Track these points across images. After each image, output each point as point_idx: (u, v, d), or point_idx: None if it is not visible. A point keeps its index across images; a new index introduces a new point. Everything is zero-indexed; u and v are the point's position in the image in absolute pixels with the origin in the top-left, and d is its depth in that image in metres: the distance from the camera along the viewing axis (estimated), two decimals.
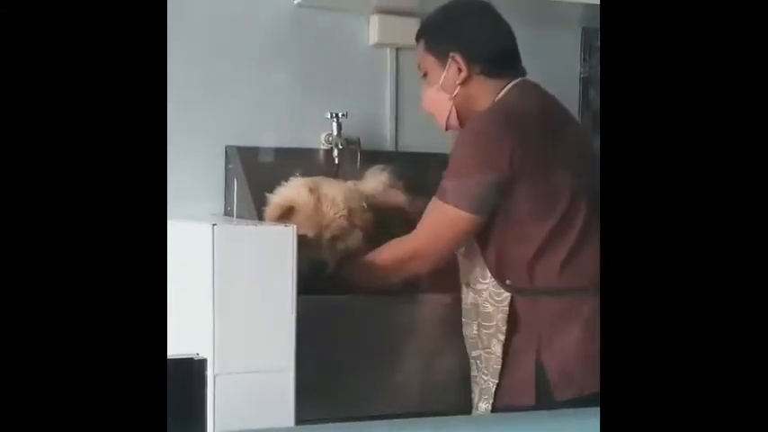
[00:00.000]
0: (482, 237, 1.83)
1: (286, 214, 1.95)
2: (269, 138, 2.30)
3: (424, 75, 1.93)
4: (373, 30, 2.42)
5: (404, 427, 1.60)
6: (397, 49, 2.44)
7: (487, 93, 1.87)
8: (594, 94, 2.51)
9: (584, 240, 1.79)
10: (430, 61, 1.91)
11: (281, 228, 1.83)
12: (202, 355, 1.75)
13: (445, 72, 1.88)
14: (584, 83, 2.54)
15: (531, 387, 1.78)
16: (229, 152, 2.30)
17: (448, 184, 1.81)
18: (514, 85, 1.88)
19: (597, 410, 1.19)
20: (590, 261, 1.76)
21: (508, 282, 1.82)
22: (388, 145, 2.45)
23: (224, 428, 1.70)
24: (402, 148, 2.44)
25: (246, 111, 2.33)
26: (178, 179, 2.28)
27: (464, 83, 1.87)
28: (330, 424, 1.56)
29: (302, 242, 1.81)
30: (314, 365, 1.78)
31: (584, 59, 2.55)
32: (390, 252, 1.89)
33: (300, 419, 1.77)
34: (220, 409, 1.73)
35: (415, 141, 2.43)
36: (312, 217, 1.92)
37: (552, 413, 1.71)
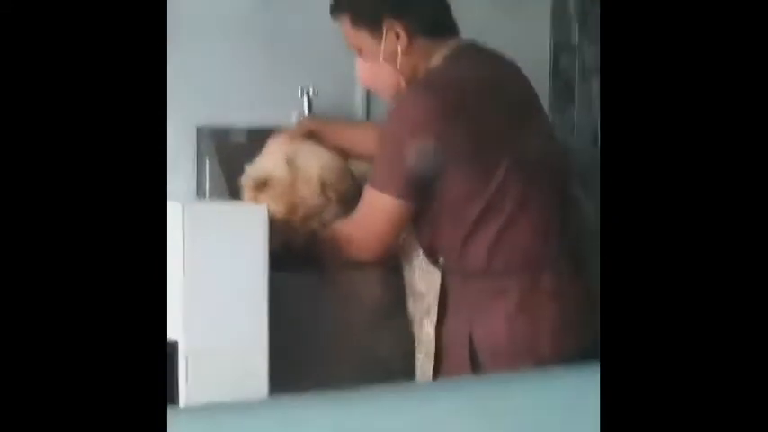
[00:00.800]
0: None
1: (261, 187, 1.89)
2: (240, 117, 2.27)
3: (359, 51, 1.80)
4: None
5: (382, 394, 1.59)
6: None
7: (432, 56, 1.76)
8: (566, 60, 2.47)
9: (514, 220, 1.72)
10: (361, 36, 1.77)
11: (252, 206, 1.81)
12: (173, 336, 1.74)
13: (383, 43, 1.75)
14: (556, 48, 2.50)
15: (468, 369, 1.75)
16: (200, 132, 2.28)
17: (375, 167, 1.73)
18: (450, 47, 1.77)
19: (589, 367, 1.20)
20: (520, 242, 1.73)
21: (441, 261, 1.76)
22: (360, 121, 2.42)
23: (195, 408, 1.69)
24: None
25: (217, 90, 2.30)
26: None
27: (407, 50, 1.75)
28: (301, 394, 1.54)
29: (274, 220, 1.78)
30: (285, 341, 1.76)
31: (555, 25, 2.51)
32: (334, 234, 1.82)
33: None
34: (192, 390, 1.71)
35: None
36: (285, 193, 1.86)
37: (544, 373, 1.71)
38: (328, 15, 2.34)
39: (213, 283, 1.75)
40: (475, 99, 1.71)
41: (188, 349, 1.71)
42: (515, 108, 1.77)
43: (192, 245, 1.74)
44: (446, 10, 1.79)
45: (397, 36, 1.74)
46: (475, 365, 1.74)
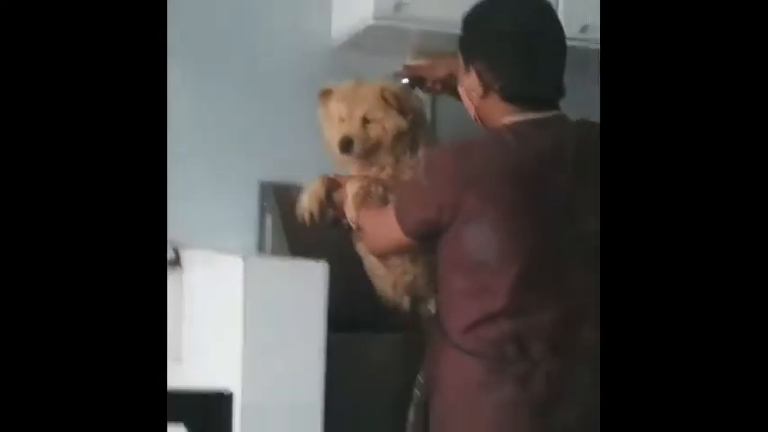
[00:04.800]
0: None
1: (326, 95, 2.03)
2: (303, 174, 2.32)
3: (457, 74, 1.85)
4: None
5: None
6: None
7: (501, 115, 1.73)
8: None
9: (507, 311, 1.67)
10: (460, 59, 1.79)
11: (312, 262, 1.84)
12: (230, 389, 1.77)
13: (467, 81, 1.77)
14: None
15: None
16: (264, 188, 2.33)
17: (402, 194, 1.83)
18: (525, 115, 1.71)
19: None
20: (497, 332, 1.67)
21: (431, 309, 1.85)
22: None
23: None
24: None
25: (282, 147, 2.36)
26: (213, 212, 2.32)
27: (483, 97, 1.74)
28: None
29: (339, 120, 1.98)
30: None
31: None
32: (361, 220, 1.93)
33: None
34: None
35: None
36: (348, 97, 2.00)
37: None
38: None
39: (271, 337, 1.78)
40: (513, 173, 1.67)
41: (244, 402, 1.74)
42: (561, 198, 1.69)
43: (252, 299, 1.78)
44: (547, 85, 1.74)
45: (478, 81, 1.74)
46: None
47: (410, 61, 2.22)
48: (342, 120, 1.98)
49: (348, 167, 2.04)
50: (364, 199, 1.93)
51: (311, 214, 1.97)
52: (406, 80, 2.11)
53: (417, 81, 2.10)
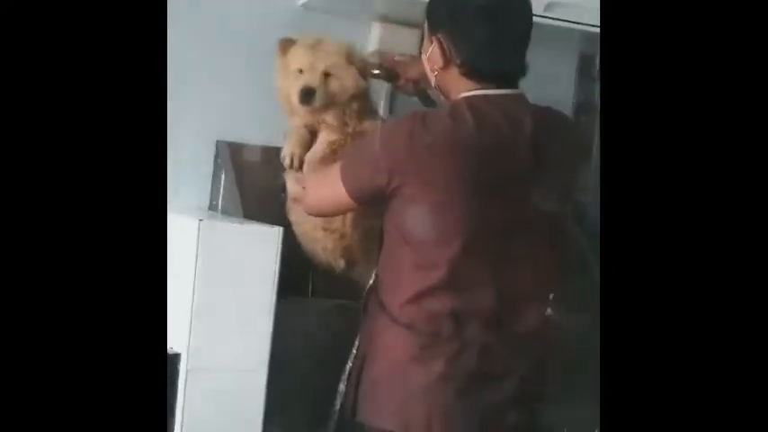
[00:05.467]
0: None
1: (289, 42, 2.02)
2: (260, 135, 2.30)
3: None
4: (374, 37, 2.42)
5: None
6: None
7: (459, 88, 1.72)
8: (585, 119, 2.50)
9: (446, 286, 1.66)
10: (424, 29, 1.78)
11: (267, 227, 1.84)
12: (177, 349, 1.77)
13: (430, 50, 1.74)
14: (577, 108, 2.55)
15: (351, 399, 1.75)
16: (219, 147, 2.30)
17: (352, 155, 1.77)
18: (488, 95, 1.70)
19: None
20: (441, 308, 1.66)
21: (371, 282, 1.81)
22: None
23: (192, 422, 1.71)
24: None
25: (240, 107, 2.33)
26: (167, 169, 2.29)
27: (442, 68, 1.72)
28: None
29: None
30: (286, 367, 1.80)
31: (580, 85, 2.55)
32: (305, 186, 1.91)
33: (269, 419, 1.79)
34: (190, 404, 1.74)
35: None
36: (313, 46, 1.97)
37: None
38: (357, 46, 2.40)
39: (222, 300, 1.78)
40: (463, 152, 1.65)
41: (190, 363, 1.74)
42: (513, 176, 1.68)
43: (205, 260, 1.78)
44: (506, 63, 1.73)
45: (441, 53, 1.72)
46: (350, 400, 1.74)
47: (395, 58, 2.19)
48: (300, 71, 1.94)
49: (297, 122, 2.01)
50: (336, 150, 1.91)
51: (297, 156, 1.95)
52: (377, 71, 2.09)
53: (390, 76, 2.09)
